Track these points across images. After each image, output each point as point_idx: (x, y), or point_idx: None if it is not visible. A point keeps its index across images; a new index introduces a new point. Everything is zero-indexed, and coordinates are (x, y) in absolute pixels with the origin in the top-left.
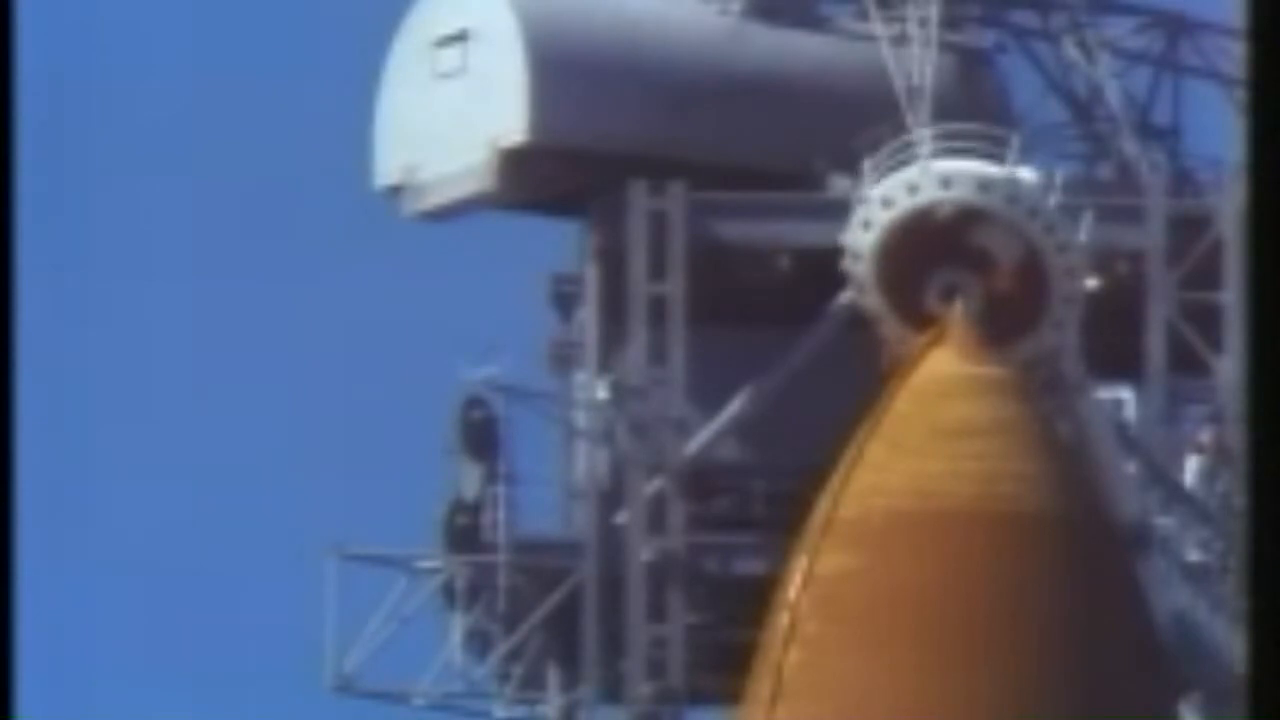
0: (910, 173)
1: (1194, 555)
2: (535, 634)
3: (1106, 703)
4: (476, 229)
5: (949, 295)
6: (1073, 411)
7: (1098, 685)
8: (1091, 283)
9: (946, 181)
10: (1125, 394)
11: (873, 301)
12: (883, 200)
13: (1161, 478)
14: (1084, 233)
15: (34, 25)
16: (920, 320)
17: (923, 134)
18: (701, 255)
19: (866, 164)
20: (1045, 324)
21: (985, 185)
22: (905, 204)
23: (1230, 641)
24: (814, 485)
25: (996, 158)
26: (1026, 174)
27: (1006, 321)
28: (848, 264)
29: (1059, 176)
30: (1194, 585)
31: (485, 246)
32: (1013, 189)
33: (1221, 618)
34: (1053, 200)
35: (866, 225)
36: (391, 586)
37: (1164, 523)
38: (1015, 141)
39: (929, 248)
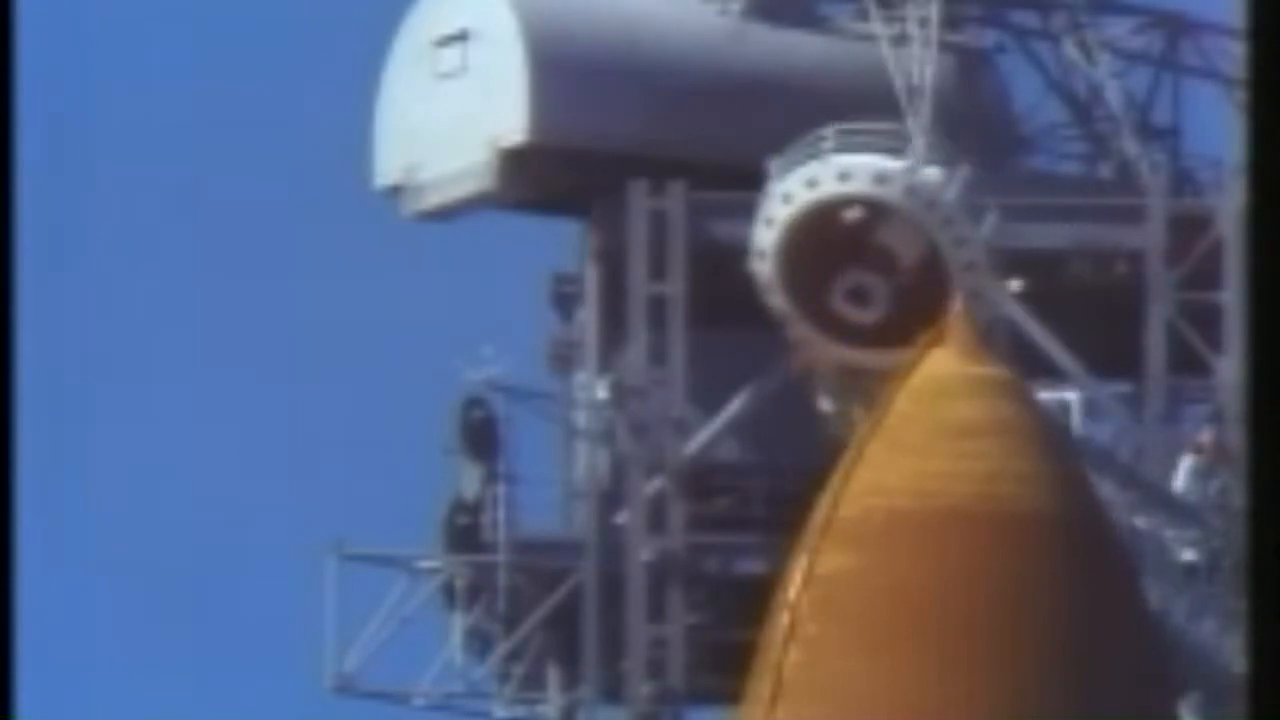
0: (810, 168)
1: (1173, 555)
2: (535, 634)
3: (1106, 703)
4: (476, 229)
5: (856, 296)
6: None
7: (1098, 685)
8: (1016, 285)
9: (845, 175)
10: (1070, 395)
11: (779, 302)
12: (783, 196)
13: (1133, 482)
14: (988, 229)
15: (34, 25)
16: (827, 322)
17: (827, 130)
18: (701, 255)
19: (773, 163)
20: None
21: (882, 179)
22: (805, 198)
23: (1221, 642)
24: (814, 485)
25: (896, 153)
26: (930, 171)
27: (912, 320)
28: (753, 263)
29: (962, 173)
30: (1175, 586)
31: (485, 246)
32: (910, 182)
33: (1208, 618)
34: (951, 194)
35: (769, 222)
36: (391, 586)
37: (1143, 523)
38: (918, 138)
39: (833, 248)
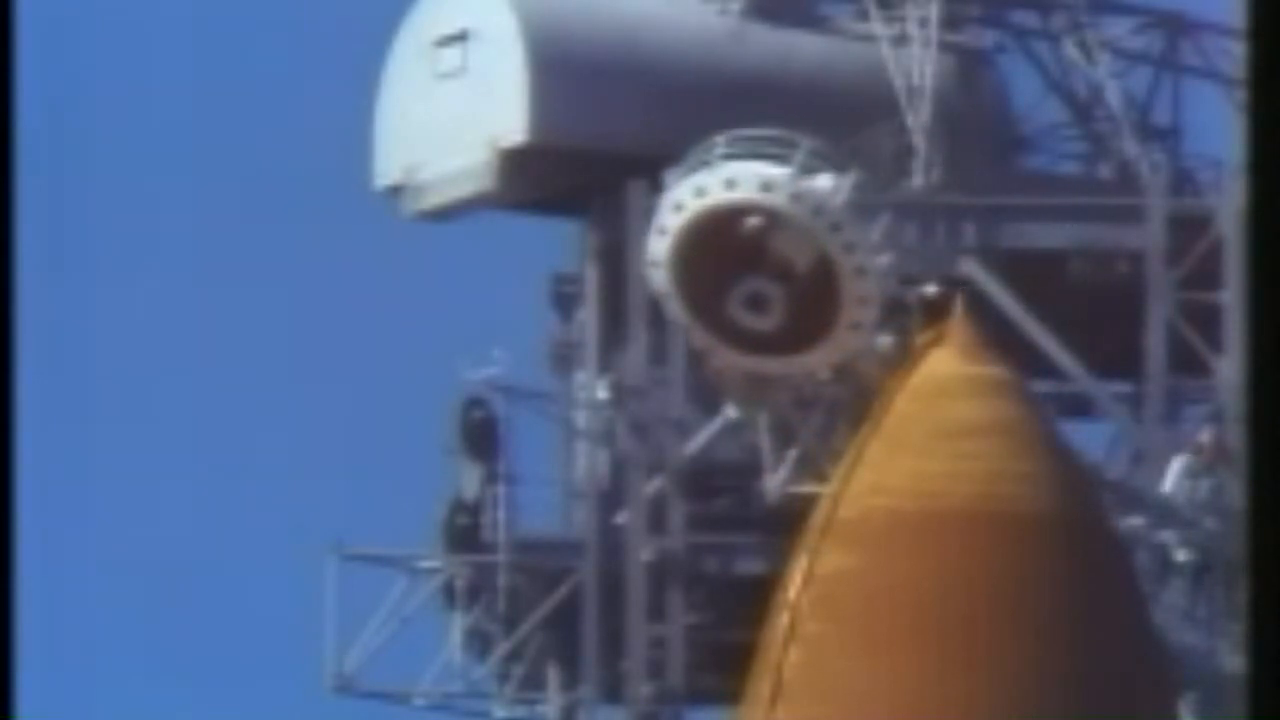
0: (698, 176)
1: (1161, 554)
2: (535, 634)
3: (1106, 703)
4: (476, 229)
5: (753, 304)
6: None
7: (1098, 685)
8: (930, 289)
9: (731, 183)
10: None
11: (676, 310)
12: (675, 205)
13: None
14: (878, 233)
15: (34, 25)
16: (726, 329)
17: (717, 139)
18: None
19: (667, 173)
20: (841, 326)
21: (768, 186)
22: (693, 207)
23: (1213, 644)
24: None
25: (783, 160)
26: (821, 179)
27: (805, 327)
28: (648, 271)
29: (851, 180)
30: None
31: (485, 246)
32: (795, 189)
33: (1200, 619)
34: (840, 200)
35: (662, 231)
36: (391, 586)
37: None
38: (805, 146)
39: (728, 256)
